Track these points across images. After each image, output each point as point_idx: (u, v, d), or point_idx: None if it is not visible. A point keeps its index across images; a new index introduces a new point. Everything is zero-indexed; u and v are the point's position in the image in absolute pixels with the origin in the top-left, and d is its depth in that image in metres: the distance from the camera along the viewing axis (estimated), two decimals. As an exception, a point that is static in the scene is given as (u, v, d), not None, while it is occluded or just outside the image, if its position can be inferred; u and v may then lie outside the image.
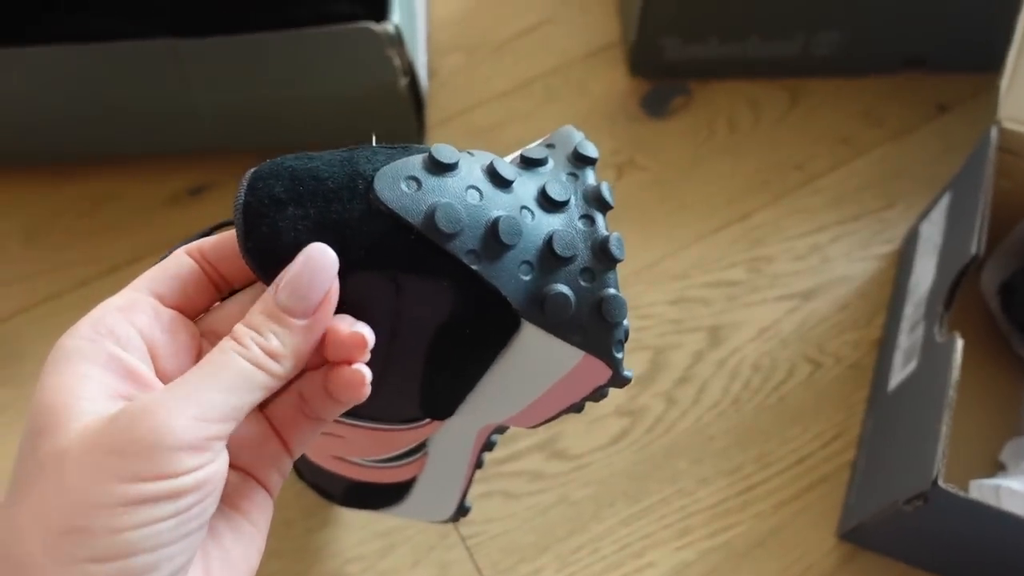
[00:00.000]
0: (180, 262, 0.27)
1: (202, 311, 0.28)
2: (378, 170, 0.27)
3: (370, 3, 0.51)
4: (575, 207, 0.29)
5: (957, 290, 0.44)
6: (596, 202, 0.29)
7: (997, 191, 0.45)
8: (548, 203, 0.29)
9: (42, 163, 0.58)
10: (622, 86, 0.62)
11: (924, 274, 0.49)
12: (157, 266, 0.27)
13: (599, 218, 0.29)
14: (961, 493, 0.37)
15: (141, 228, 0.57)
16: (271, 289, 0.26)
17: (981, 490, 0.43)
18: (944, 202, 0.50)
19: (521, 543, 0.48)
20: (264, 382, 0.25)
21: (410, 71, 0.53)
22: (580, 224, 0.29)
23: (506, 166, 0.29)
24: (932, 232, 0.50)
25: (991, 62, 0.61)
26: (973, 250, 0.43)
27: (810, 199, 0.58)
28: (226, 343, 0.25)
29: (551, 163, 0.30)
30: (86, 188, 0.58)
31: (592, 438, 0.51)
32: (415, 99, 0.56)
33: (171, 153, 0.58)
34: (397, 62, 0.51)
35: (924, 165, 0.59)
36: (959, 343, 0.40)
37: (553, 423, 0.51)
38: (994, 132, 0.45)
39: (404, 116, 0.57)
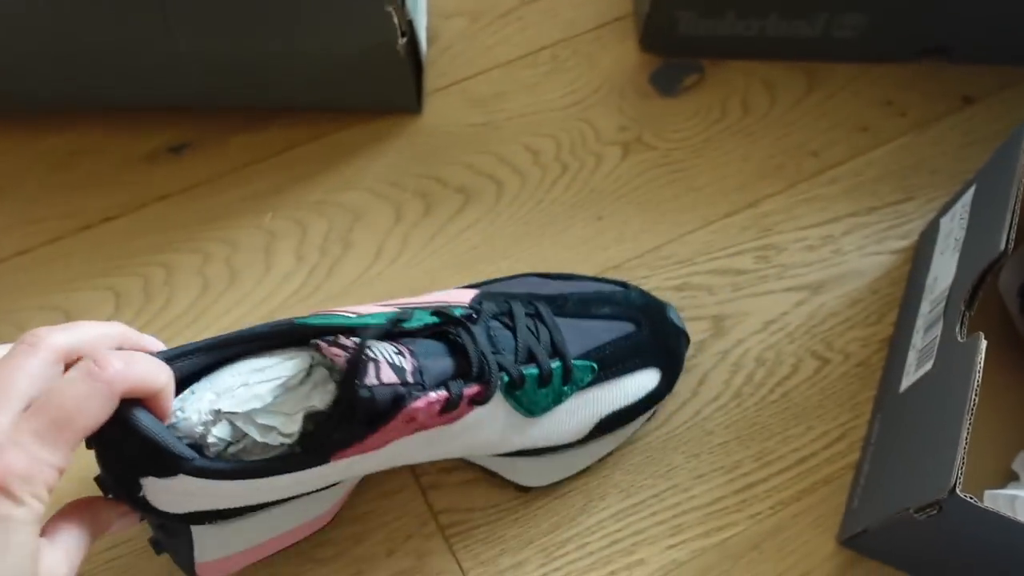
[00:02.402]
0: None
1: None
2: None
3: (370, -45, 0.48)
4: None
5: (980, 289, 0.41)
6: None
7: (1025, 187, 0.42)
8: None
9: (14, 113, 0.55)
10: (632, 61, 0.59)
11: (943, 271, 0.46)
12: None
13: None
14: (980, 504, 0.34)
15: (117, 185, 0.53)
16: None
17: (996, 500, 0.41)
18: (967, 197, 0.48)
19: (504, 535, 0.46)
20: None
21: (409, 30, 0.50)
22: None
23: None
24: (953, 228, 0.48)
25: (1020, 56, 0.58)
26: (1001, 247, 0.40)
27: (825, 188, 0.55)
28: None
29: None
30: (61, 141, 0.55)
31: (584, 427, 0.48)
32: (414, 62, 0.53)
33: (152, 107, 0.55)
34: (395, 20, 0.48)
35: (945, 158, 0.56)
36: (982, 344, 0.38)
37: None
38: (1027, 123, 0.43)
39: (402, 80, 0.54)
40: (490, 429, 0.40)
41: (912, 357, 0.46)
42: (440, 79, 0.58)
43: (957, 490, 0.35)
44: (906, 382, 0.45)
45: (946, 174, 0.56)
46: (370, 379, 0.34)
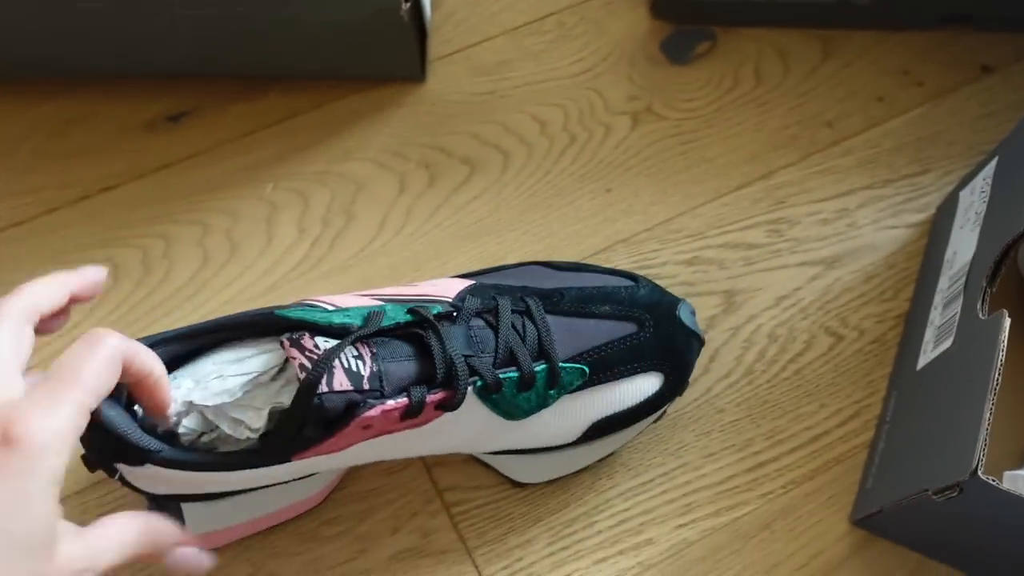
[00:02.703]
0: None
1: None
2: None
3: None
4: None
5: (1003, 264, 0.40)
6: None
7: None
8: None
9: (7, 80, 0.53)
10: (643, 28, 0.57)
11: (963, 246, 0.45)
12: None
13: None
14: (1002, 487, 0.33)
15: (115, 154, 0.52)
16: None
17: (1016, 482, 0.40)
18: (989, 169, 0.46)
19: (511, 513, 0.45)
20: None
21: (414, -5, 0.49)
22: None
23: None
24: (974, 201, 0.46)
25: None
26: (1025, 221, 0.39)
27: (839, 160, 0.54)
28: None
29: None
30: (58, 108, 0.53)
31: (592, 404, 0.47)
32: (418, 28, 0.52)
33: (151, 75, 0.53)
34: (400, -17, 0.47)
35: (963, 129, 0.55)
36: (1006, 322, 0.36)
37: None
38: (1054, 92, 0.41)
39: (405, 46, 0.52)
40: (467, 431, 0.38)
41: (930, 334, 0.45)
42: (444, 46, 0.56)
43: (979, 472, 0.34)
44: (923, 360, 0.44)
45: (963, 145, 0.54)
46: (321, 387, 0.33)
